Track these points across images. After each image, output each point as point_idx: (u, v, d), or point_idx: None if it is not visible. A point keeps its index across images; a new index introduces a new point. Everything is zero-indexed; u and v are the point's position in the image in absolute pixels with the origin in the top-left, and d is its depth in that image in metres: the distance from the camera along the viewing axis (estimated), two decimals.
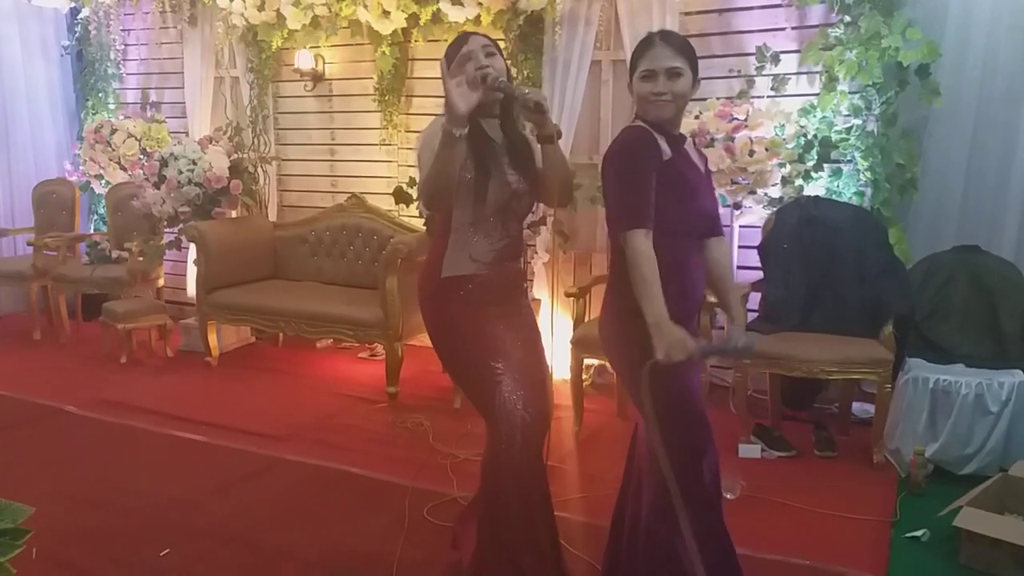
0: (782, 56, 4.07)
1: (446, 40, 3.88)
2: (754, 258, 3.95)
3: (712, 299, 2.59)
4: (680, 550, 2.03)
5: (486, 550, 2.29)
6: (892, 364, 3.38)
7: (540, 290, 4.60)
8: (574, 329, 3.83)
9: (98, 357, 5.02)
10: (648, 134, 2.03)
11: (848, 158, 3.93)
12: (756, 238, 3.97)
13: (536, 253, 4.56)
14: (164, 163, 5.00)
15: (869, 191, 3.88)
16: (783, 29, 4.09)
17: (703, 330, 3.59)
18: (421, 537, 2.81)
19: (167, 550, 2.75)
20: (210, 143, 5.12)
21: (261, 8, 5.02)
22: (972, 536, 2.61)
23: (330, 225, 5.11)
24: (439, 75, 2.28)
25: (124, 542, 2.82)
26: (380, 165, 5.23)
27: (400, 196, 4.57)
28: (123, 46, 6.03)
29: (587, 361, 3.76)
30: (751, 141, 3.78)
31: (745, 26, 4.19)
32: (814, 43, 3.91)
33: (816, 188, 3.96)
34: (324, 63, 5.29)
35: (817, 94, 3.97)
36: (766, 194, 3.94)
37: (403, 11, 4.65)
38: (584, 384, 3.83)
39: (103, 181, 5.87)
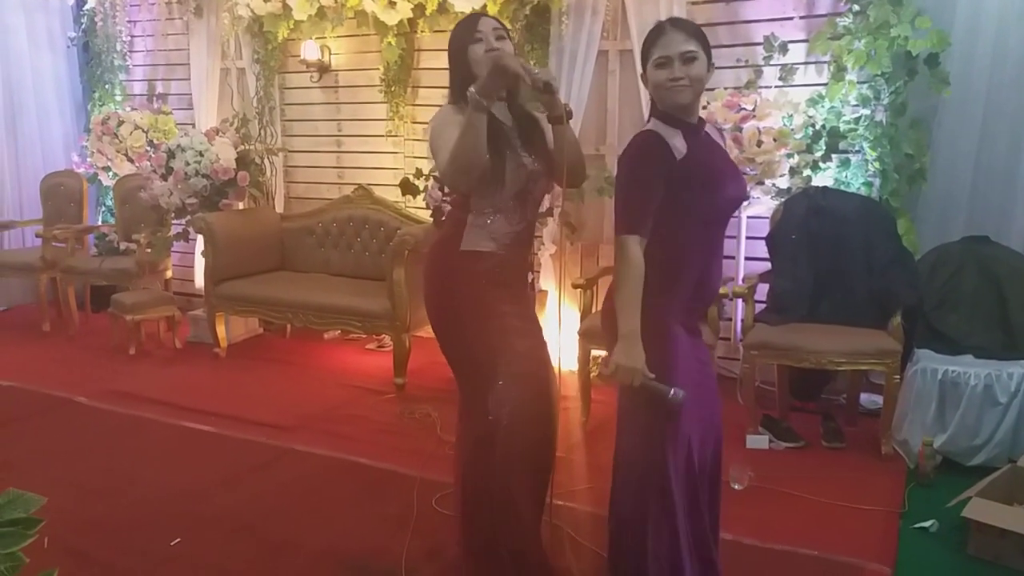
0: (790, 46, 4.04)
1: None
2: (762, 249, 3.94)
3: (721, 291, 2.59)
4: (655, 540, 2.05)
5: (470, 537, 2.31)
6: (900, 355, 3.37)
7: (547, 281, 4.59)
8: (581, 320, 3.83)
9: (107, 348, 5.04)
10: (658, 140, 2.01)
11: (856, 148, 3.91)
12: (764, 229, 3.96)
13: (543, 244, 4.54)
14: (171, 155, 5.00)
15: (877, 181, 3.86)
16: (791, 18, 4.06)
17: (711, 322, 3.59)
18: (429, 527, 2.83)
19: (177, 539, 2.78)
20: (217, 134, 5.12)
21: None
22: (981, 527, 2.61)
23: (337, 216, 5.11)
24: (446, 65, 2.29)
25: (134, 531, 2.84)
26: (387, 156, 5.23)
27: (407, 187, 4.56)
28: (129, 37, 6.01)
29: (594, 352, 3.77)
30: (759, 131, 3.77)
31: (753, 15, 4.17)
32: (822, 32, 3.88)
33: (824, 178, 3.94)
34: (330, 54, 5.28)
35: (825, 84, 3.95)
36: (774, 184, 3.92)
37: (409, 1, 4.63)
38: (591, 375, 3.84)
39: (111, 173, 5.88)
